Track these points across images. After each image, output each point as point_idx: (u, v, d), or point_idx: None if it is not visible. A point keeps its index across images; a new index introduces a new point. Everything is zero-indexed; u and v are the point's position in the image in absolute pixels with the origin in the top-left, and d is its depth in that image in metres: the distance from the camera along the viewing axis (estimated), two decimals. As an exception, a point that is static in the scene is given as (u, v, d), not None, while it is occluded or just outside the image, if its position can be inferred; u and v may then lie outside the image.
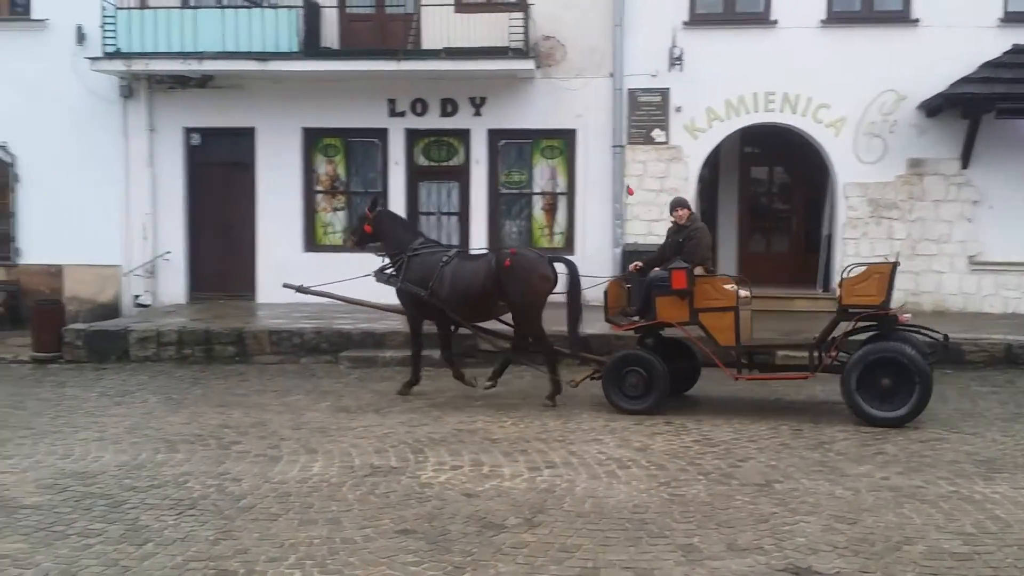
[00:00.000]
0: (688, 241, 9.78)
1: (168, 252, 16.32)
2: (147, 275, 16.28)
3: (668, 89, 15.50)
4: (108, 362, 12.94)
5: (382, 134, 16.18)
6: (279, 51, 15.20)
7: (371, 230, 10.67)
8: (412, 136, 16.22)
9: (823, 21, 15.27)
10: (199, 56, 15.31)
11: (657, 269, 9.83)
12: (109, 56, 15.45)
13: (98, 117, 16.19)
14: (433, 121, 16.10)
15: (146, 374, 12.08)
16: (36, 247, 16.33)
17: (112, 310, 16.14)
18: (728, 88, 15.39)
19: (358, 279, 10.40)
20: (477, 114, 16.01)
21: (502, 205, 16.38)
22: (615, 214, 15.63)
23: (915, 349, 8.92)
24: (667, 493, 6.66)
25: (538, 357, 10.20)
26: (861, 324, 9.10)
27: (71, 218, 16.09)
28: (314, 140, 16.44)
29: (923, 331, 9.25)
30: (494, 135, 16.13)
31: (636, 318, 9.84)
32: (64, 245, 16.16)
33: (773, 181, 18.34)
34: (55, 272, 16.42)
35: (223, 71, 15.70)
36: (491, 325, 10.60)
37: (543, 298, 9.93)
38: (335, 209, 16.58)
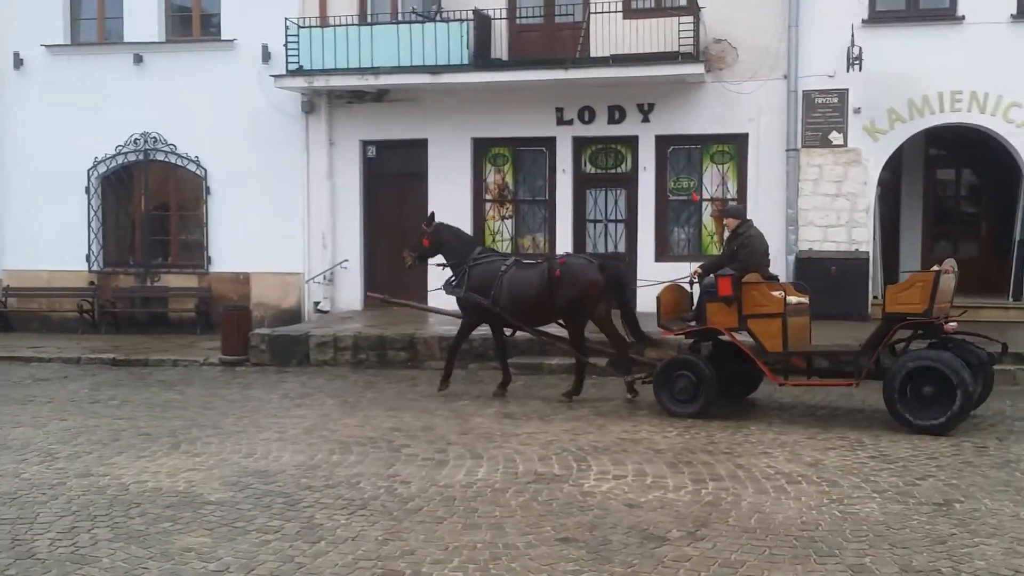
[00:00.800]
0: (741, 249, 9.89)
1: (346, 260, 16.94)
2: (326, 282, 16.95)
3: (846, 90, 14.97)
4: (290, 365, 13.56)
5: (550, 143, 16.31)
6: (451, 64, 15.56)
7: (429, 244, 11.23)
8: (579, 144, 16.27)
9: (1014, 16, 14.40)
10: (375, 71, 15.85)
11: (711, 276, 9.94)
12: (292, 73, 16.20)
13: (282, 132, 17.00)
14: (600, 128, 16.10)
15: (324, 377, 12.59)
16: (226, 256, 17.28)
17: (294, 316, 16.91)
18: (911, 87, 14.72)
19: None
20: (645, 120, 15.91)
21: (670, 212, 16.21)
22: (788, 220, 15.20)
23: (973, 358, 9.02)
24: (838, 510, 6.41)
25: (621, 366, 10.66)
26: (902, 332, 9.14)
27: (257, 228, 16.95)
28: (483, 150, 16.74)
29: (979, 340, 9.36)
30: (662, 141, 15.98)
31: (693, 323, 9.97)
32: (251, 254, 17.05)
33: (960, 184, 17.42)
34: (243, 279, 17.33)
35: (397, 85, 16.20)
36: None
37: (592, 302, 10.34)
38: (503, 217, 16.83)
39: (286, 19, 16.10)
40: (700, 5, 15.11)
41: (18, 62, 17.93)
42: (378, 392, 11.42)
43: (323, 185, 16.94)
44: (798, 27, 15.00)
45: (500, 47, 16.08)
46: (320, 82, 16.16)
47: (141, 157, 17.73)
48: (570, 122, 16.13)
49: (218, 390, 11.80)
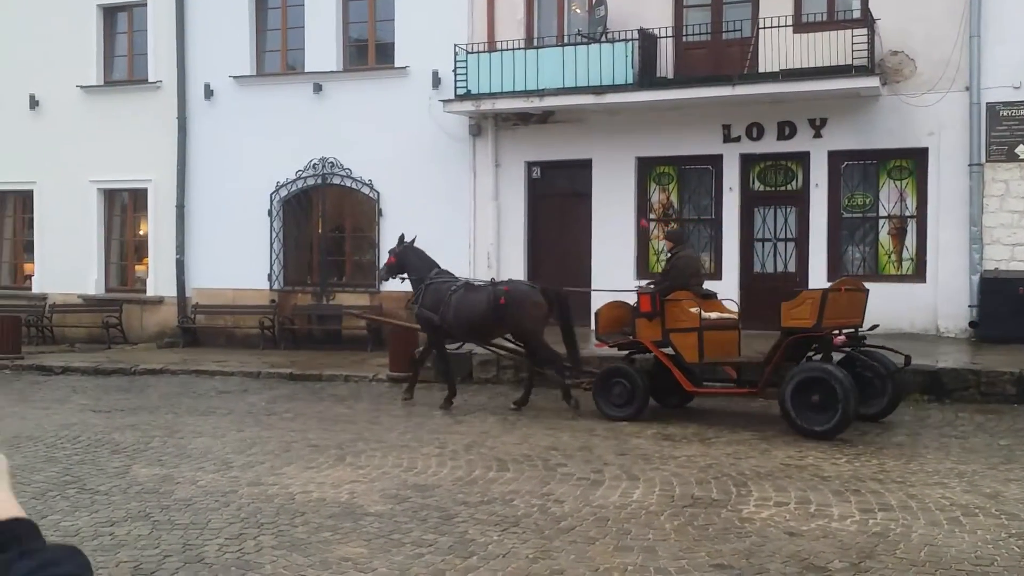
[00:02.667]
0: (672, 269, 11.01)
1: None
2: (491, 301, 17.17)
3: (1033, 101, 14.12)
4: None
5: (716, 160, 16.05)
6: (615, 84, 15.57)
7: (395, 261, 12.60)
8: (747, 161, 15.95)
9: None
10: (540, 93, 16.03)
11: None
12: (460, 98, 16.58)
13: (450, 155, 17.42)
14: (769, 145, 15.73)
15: (486, 395, 12.75)
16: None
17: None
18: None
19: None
20: (817, 136, 15.44)
21: (844, 230, 15.63)
22: (972, 238, 14.41)
23: (880, 369, 9.96)
24: (1018, 545, 5.98)
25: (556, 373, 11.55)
26: (791, 344, 9.85)
27: (425, 248, 17.27)
28: (648, 169, 16.63)
29: (884, 351, 10.14)
30: (835, 157, 15.46)
31: (631, 337, 10.84)
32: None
33: None
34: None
35: (562, 106, 16.31)
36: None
37: (540, 324, 11.37)
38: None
39: (455, 45, 16.50)
40: (875, 17, 14.57)
41: (208, 92, 19.08)
42: (538, 411, 11.46)
43: (489, 206, 17.24)
44: (980, 37, 14.24)
45: (666, 65, 15.95)
46: (487, 105, 16.48)
47: (319, 181, 18.52)
48: (737, 139, 15.83)
49: (385, 405, 12.13)
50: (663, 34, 15.78)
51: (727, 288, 15.40)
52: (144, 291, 19.89)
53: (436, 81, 17.38)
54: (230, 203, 18.78)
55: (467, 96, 16.51)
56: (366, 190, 18.17)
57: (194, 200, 19.28)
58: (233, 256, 18.76)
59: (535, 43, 16.86)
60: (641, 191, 16.66)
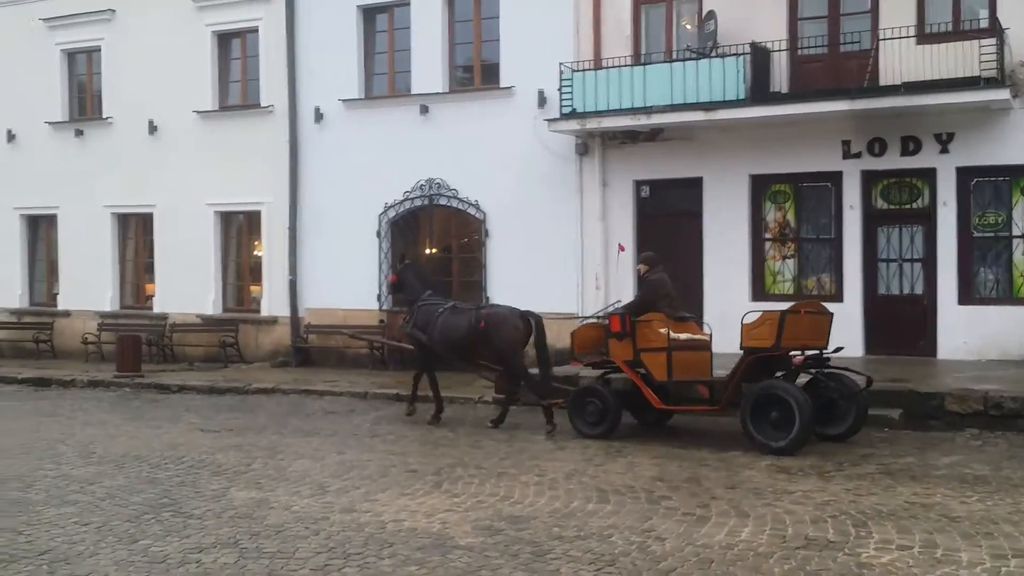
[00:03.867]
0: (645, 292, 11.46)
1: (618, 301, 16.61)
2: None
3: None
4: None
5: (835, 177, 15.37)
6: (726, 99, 15.05)
7: (396, 280, 13.43)
8: (869, 178, 15.22)
9: None
10: (648, 111, 15.65)
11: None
12: (566, 116, 16.33)
13: (556, 174, 17.17)
14: (892, 161, 14.97)
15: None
16: (502, 296, 17.43)
17: (567, 356, 16.80)
18: None
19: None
20: (943, 151, 14.63)
21: (975, 250, 14.74)
22: (1116, 258, 13.38)
23: (844, 389, 10.22)
24: None
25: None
26: (750, 363, 10.14)
27: (532, 269, 17.15)
28: (762, 187, 16.04)
29: (848, 373, 10.37)
30: (964, 173, 14.62)
31: (605, 357, 11.27)
32: (526, 294, 17.00)
33: None
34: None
35: (671, 123, 15.89)
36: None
37: (519, 346, 11.95)
38: (785, 257, 16.00)
39: (561, 64, 16.27)
40: (1004, 26, 13.73)
41: (318, 116, 19.31)
42: (645, 438, 11.04)
43: (595, 226, 16.90)
44: (1124, 44, 13.29)
45: (779, 80, 15.37)
46: (593, 124, 16.17)
47: (426, 202, 18.51)
48: (858, 155, 15.12)
49: (488, 429, 11.87)
50: (776, 47, 15.23)
51: (849, 310, 14.81)
52: (259, 311, 20.20)
53: (542, 100, 17.17)
54: (340, 224, 18.94)
55: (573, 115, 16.24)
56: (472, 211, 18.06)
57: (305, 221, 19.51)
58: (343, 277, 18.90)
59: (642, 59, 16.48)
60: (756, 210, 16.07)
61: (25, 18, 22.08)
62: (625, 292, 16.57)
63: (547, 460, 9.80)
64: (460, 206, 18.21)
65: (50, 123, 22.10)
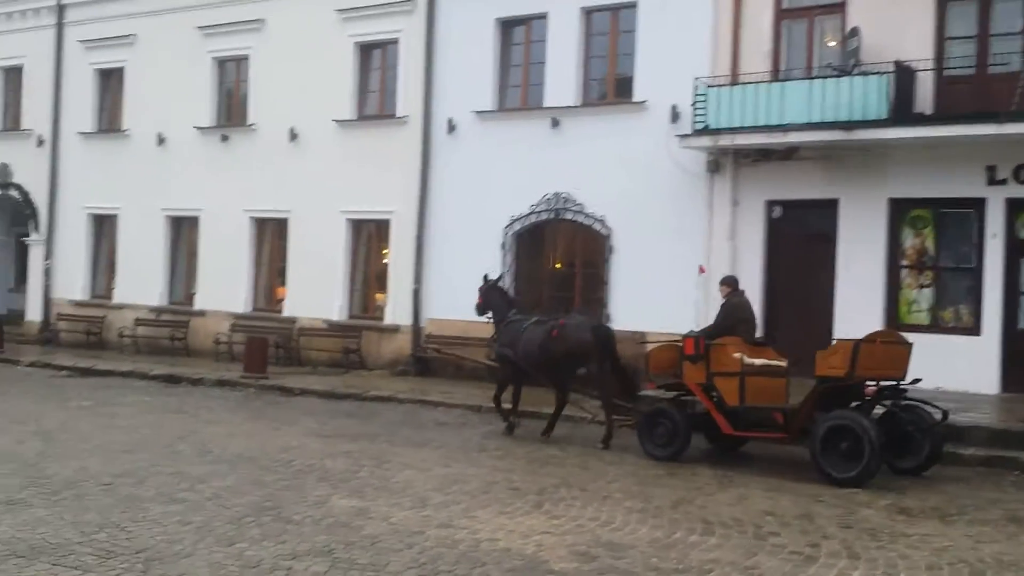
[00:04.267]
0: (724, 315, 11.41)
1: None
2: (723, 346, 16.34)
3: None
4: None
5: (978, 204, 14.55)
6: (867, 119, 14.45)
7: (481, 301, 13.71)
8: (1014, 206, 14.35)
9: None
10: (784, 128, 15.16)
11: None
12: (698, 133, 15.99)
13: (685, 192, 16.81)
14: (1040, 190, 14.10)
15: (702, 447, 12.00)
16: (623, 314, 17.26)
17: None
18: None
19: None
20: (1094, 180, 13.67)
21: None
22: None
23: (921, 423, 10.06)
24: None
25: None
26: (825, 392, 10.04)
27: (654, 288, 16.82)
28: (901, 211, 15.32)
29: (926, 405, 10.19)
30: (1121, 204, 13.63)
31: (679, 379, 11.25)
32: (648, 313, 16.82)
33: None
34: (639, 338, 17.22)
35: (808, 142, 15.32)
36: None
37: (582, 358, 12.06)
38: (921, 286, 15.23)
39: (695, 79, 15.95)
40: None
41: (451, 127, 19.48)
42: (759, 468, 10.64)
43: (724, 246, 16.44)
44: None
45: (924, 100, 14.66)
46: (726, 140, 15.78)
47: (552, 216, 18.41)
48: (1003, 182, 14.28)
49: (598, 450, 11.63)
50: (922, 67, 14.53)
51: (986, 345, 14.03)
52: (382, 319, 20.48)
53: (674, 116, 16.86)
54: (465, 235, 19.04)
55: (706, 131, 15.88)
56: (598, 226, 17.86)
57: (432, 232, 19.70)
58: (466, 288, 18.66)
59: (781, 76, 15.98)
60: (893, 235, 15.35)
61: (181, 27, 23.05)
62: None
63: (654, 486, 9.53)
64: (586, 221, 18.04)
65: (198, 128, 22.99)
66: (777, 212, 16.33)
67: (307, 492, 8.72)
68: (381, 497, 8.62)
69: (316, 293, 20.96)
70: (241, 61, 22.74)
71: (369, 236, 21.21)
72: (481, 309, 13.76)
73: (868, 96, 14.46)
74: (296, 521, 7.60)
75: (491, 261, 18.70)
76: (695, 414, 11.39)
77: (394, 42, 20.52)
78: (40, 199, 25.96)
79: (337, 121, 20.92)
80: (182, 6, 23.16)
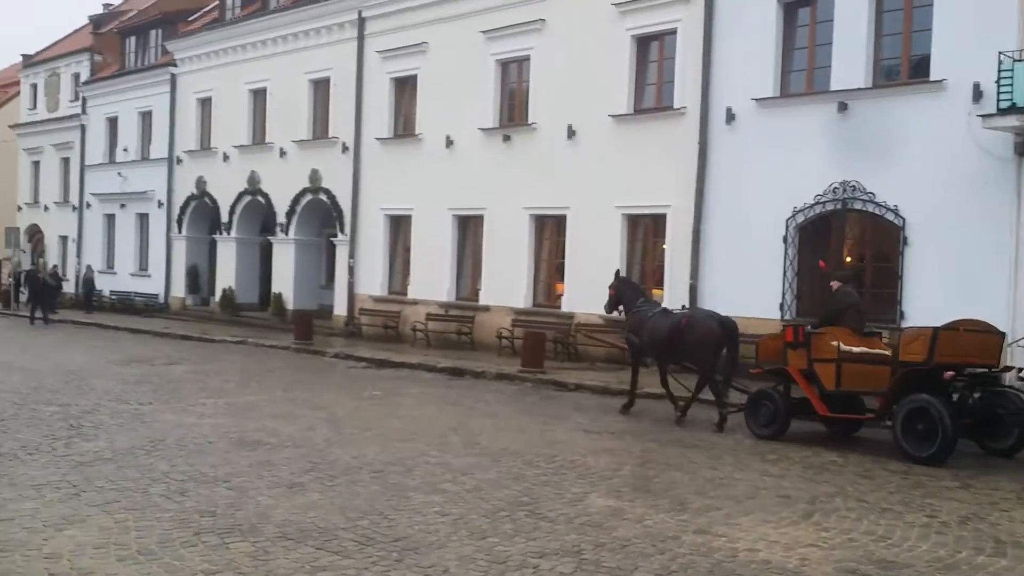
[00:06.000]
0: (833, 308, 12.15)
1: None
2: (1034, 347, 14.66)
3: None
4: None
5: None
6: None
7: (613, 294, 14.73)
8: None
9: None
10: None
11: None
12: (1004, 112, 14.44)
13: (990, 177, 15.22)
14: None
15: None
16: (920, 311, 15.87)
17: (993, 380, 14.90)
18: None
19: None
20: None
21: None
22: None
23: (1011, 406, 10.75)
24: None
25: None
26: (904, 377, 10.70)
27: (956, 282, 15.39)
28: None
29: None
30: None
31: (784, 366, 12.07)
32: (948, 309, 15.36)
33: None
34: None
35: None
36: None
37: (710, 348, 12.86)
38: None
39: (1000, 53, 14.42)
40: None
41: (730, 117, 18.83)
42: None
43: (1032, 234, 14.75)
44: None
45: None
46: (1035, 120, 14.14)
47: (839, 206, 17.32)
48: None
49: (883, 458, 10.76)
50: None
51: None
52: (656, 315, 20.12)
53: (977, 94, 15.32)
54: (744, 229, 18.35)
55: (1012, 109, 14.30)
56: (890, 216, 16.57)
57: (710, 225, 19.13)
58: (744, 283, 18.24)
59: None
60: None
61: (467, 32, 23.89)
62: None
63: (943, 499, 8.68)
64: (876, 211, 16.79)
65: (482, 129, 23.74)
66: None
67: (565, 489, 8.65)
68: (639, 498, 8.39)
69: (592, 289, 20.85)
70: (523, 62, 23.19)
71: (645, 231, 20.96)
72: (613, 304, 14.73)
73: None
74: (549, 518, 7.54)
75: (773, 255, 17.96)
76: (793, 397, 12.16)
77: (672, 32, 20.14)
78: (344, 202, 27.88)
79: (612, 116, 20.84)
80: (468, 11, 24.01)
